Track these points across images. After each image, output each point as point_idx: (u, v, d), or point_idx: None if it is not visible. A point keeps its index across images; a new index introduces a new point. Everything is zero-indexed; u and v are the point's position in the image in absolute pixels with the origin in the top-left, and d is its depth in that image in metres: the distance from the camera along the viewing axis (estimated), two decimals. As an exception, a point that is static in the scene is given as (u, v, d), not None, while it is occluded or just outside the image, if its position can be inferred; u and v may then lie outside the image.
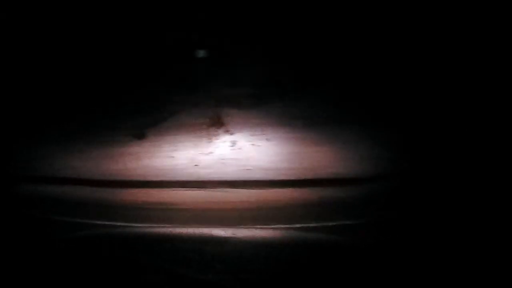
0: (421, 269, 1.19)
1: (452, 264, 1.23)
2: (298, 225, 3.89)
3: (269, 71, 9.44)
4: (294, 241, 1.60)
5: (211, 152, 6.23)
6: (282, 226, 3.75)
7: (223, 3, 10.94)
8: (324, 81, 8.71)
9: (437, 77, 7.78)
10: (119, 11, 10.52)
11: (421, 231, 3.50)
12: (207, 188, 5.18)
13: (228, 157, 6.02)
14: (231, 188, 5.12)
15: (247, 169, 5.59)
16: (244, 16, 10.41)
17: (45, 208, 4.58)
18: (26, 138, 7.07)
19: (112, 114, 7.99)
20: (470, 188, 4.32)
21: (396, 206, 4.22)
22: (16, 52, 9.85)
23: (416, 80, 7.82)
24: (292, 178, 5.24)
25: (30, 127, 7.47)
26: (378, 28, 9.12)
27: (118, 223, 3.77)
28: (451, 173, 4.75)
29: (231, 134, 6.91)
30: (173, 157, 6.11)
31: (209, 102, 8.39)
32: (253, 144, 6.43)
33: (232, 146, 6.45)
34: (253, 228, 2.99)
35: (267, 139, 6.57)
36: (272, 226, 3.52)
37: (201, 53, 11.04)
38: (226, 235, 1.67)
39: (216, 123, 7.35)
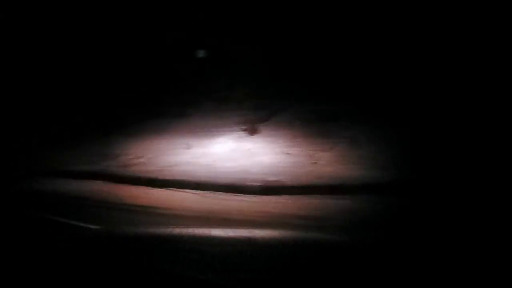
0: (421, 269, 1.19)
1: (452, 265, 1.23)
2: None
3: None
4: (294, 241, 1.59)
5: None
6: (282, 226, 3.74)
7: (223, 3, 10.93)
8: (324, 82, 8.72)
9: (437, 77, 7.78)
10: (119, 11, 10.51)
11: (421, 230, 3.50)
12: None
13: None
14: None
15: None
16: (244, 16, 10.40)
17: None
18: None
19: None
20: (475, 190, 4.31)
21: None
22: (34, 54, 9.89)
23: (416, 81, 7.82)
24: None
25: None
26: (379, 29, 9.11)
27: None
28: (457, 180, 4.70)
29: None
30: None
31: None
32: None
33: None
34: (253, 228, 2.99)
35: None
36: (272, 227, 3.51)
37: (201, 53, 11.03)
38: (226, 235, 1.67)
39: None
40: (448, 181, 4.72)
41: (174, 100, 9.60)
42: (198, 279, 1.04)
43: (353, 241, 1.65)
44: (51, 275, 1.10)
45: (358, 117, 7.66)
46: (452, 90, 7.28)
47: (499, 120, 6.18)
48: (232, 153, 7.03)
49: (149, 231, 1.86)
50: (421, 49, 8.43)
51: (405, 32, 8.74)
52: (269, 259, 1.25)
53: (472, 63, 7.55)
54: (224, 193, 5.23)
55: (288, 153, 6.67)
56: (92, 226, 3.55)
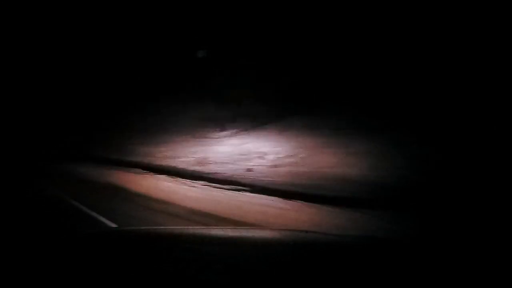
0: (422, 269, 1.19)
1: (454, 266, 1.23)
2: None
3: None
4: (294, 241, 1.59)
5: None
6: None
7: (223, 3, 10.92)
8: (324, 81, 8.71)
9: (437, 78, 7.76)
10: (119, 11, 10.52)
11: (421, 230, 3.50)
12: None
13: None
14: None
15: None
16: (244, 17, 10.40)
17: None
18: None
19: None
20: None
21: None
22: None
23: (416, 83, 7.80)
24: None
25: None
26: (382, 29, 9.09)
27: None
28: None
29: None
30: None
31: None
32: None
33: None
34: (253, 228, 2.99)
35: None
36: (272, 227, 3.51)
37: (201, 53, 11.03)
38: (226, 235, 1.67)
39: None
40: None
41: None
42: (198, 279, 1.03)
43: (353, 241, 1.65)
44: (50, 274, 1.10)
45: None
46: (453, 91, 7.25)
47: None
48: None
49: (149, 231, 1.86)
50: (422, 49, 8.41)
51: (405, 33, 8.72)
52: (269, 259, 1.25)
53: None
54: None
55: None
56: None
